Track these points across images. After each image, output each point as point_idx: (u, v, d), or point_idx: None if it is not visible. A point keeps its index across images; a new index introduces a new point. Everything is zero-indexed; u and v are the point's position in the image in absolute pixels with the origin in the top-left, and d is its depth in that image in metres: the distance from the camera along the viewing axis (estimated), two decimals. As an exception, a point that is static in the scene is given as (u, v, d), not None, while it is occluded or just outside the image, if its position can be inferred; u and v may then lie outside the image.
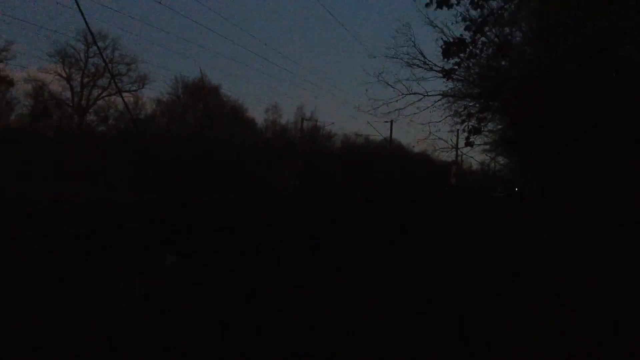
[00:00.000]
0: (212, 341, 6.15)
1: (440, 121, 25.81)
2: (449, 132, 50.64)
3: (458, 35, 10.38)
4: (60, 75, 50.70)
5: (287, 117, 73.20)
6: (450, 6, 9.26)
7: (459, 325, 7.21)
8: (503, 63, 15.76)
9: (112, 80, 50.06)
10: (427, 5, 9.35)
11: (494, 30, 11.69)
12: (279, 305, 7.92)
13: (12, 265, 9.38)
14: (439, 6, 9.21)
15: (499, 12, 10.20)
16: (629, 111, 11.35)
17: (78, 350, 5.88)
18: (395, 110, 19.28)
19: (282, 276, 9.91)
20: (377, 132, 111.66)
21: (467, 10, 10.15)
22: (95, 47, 47.82)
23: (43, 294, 7.86)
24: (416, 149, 74.34)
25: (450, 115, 20.02)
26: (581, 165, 16.24)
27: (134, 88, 53.87)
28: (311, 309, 7.90)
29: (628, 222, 13.15)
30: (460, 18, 10.83)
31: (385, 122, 63.82)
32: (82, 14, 18.39)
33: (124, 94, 51.51)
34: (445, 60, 10.57)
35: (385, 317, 7.57)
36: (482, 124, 15.58)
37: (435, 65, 18.20)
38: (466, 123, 13.88)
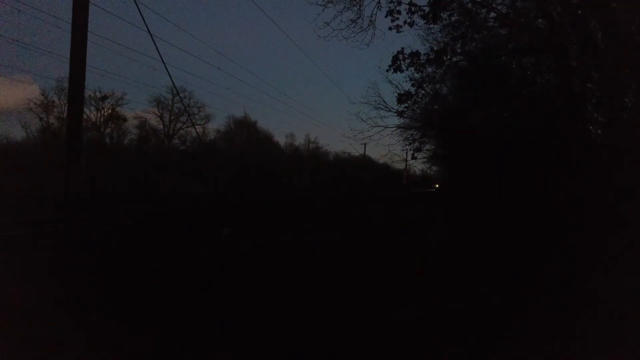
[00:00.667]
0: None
1: (395, 144, 26.21)
2: (401, 150, 50.83)
3: (407, 89, 10.47)
4: (155, 114, 51.15)
5: (299, 141, 72.90)
6: (401, 71, 9.39)
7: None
8: (435, 107, 15.88)
9: (188, 118, 50.42)
10: (387, 70, 9.50)
11: (429, 86, 11.78)
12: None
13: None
14: (395, 71, 9.35)
15: (433, 74, 10.28)
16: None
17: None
18: (367, 136, 19.66)
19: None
20: (356, 150, 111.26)
21: (413, 74, 10.19)
22: (178, 97, 48.05)
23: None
24: (381, 161, 73.94)
25: (402, 140, 20.10)
26: (473, 172, 16.59)
27: (202, 122, 54.02)
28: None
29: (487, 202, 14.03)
30: (408, 78, 10.92)
31: (361, 144, 64.11)
32: (170, 75, 18.60)
33: (196, 126, 52.07)
34: (399, 105, 10.64)
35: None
36: (422, 145, 15.68)
37: (392, 108, 18.13)
38: (412, 145, 14.05)
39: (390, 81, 19.39)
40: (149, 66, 78.96)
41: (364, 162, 69.42)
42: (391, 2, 8.47)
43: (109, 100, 44.56)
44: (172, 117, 52.22)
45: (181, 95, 46.86)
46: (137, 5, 7.45)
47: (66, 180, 6.54)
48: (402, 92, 10.31)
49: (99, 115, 44.83)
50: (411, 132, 18.53)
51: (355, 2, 9.14)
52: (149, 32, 7.91)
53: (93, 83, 47.71)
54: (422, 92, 10.82)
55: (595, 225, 6.68)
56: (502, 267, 7.70)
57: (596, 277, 5.79)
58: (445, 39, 9.56)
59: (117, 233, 10.38)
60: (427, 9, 8.21)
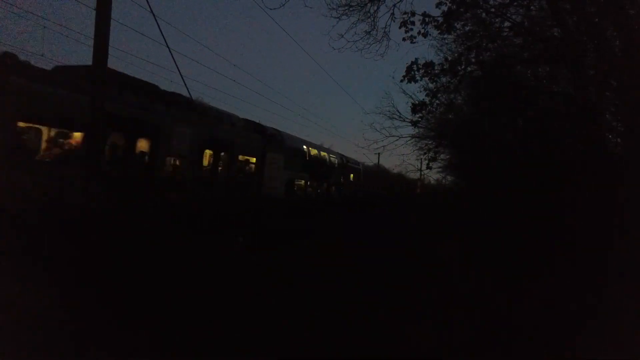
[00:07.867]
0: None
1: (410, 153, 26.43)
2: (415, 160, 50.40)
3: (421, 99, 10.35)
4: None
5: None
6: (415, 81, 9.30)
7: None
8: (450, 116, 15.78)
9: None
10: (401, 80, 9.45)
11: (443, 96, 11.67)
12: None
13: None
14: (409, 81, 9.27)
15: (447, 84, 10.17)
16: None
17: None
18: (381, 146, 19.83)
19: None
20: (370, 160, 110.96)
21: (427, 83, 10.09)
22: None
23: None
24: (395, 171, 73.38)
25: (416, 150, 20.16)
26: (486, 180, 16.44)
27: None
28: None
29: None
30: (422, 88, 10.84)
31: (375, 153, 63.60)
32: (187, 87, 18.77)
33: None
34: (413, 115, 10.55)
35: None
36: (436, 155, 15.56)
37: (407, 118, 18.16)
38: (427, 154, 13.93)
39: (404, 91, 19.43)
40: (166, 78, 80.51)
41: (377, 172, 69.10)
42: (405, 13, 8.49)
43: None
44: (189, 128, 53.03)
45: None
46: (155, 19, 7.61)
47: (84, 190, 6.67)
48: (417, 102, 10.22)
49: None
50: (426, 141, 18.47)
51: (369, 14, 9.21)
52: (167, 45, 8.06)
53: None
54: (437, 102, 10.72)
55: (610, 235, 6.51)
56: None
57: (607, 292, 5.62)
58: (459, 49, 9.51)
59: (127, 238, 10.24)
60: (440, 20, 8.20)
